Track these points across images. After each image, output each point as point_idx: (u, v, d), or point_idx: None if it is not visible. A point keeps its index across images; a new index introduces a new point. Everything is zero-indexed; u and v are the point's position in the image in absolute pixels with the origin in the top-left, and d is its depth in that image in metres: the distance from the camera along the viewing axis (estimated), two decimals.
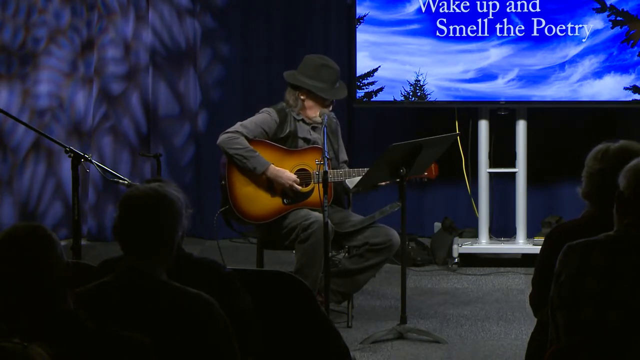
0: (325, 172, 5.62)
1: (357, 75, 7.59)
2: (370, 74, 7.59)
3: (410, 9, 7.55)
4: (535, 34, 7.50)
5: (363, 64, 7.58)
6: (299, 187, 6.13)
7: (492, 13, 7.50)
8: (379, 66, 7.59)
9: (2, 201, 8.34)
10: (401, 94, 7.59)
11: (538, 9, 7.48)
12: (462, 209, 8.19)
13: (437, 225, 8.06)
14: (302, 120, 6.23)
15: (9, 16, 8.28)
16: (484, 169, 7.69)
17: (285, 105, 6.23)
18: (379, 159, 5.87)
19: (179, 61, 8.53)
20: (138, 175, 8.40)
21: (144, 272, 3.14)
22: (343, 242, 6.22)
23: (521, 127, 7.64)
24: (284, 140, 6.18)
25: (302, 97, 6.20)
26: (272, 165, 6.10)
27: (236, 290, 3.70)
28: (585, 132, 7.78)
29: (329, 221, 5.69)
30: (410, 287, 6.94)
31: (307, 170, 6.18)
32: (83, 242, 6.58)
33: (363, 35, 7.58)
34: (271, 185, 6.14)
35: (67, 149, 5.57)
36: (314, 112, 6.20)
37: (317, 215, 5.99)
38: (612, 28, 7.46)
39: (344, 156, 6.43)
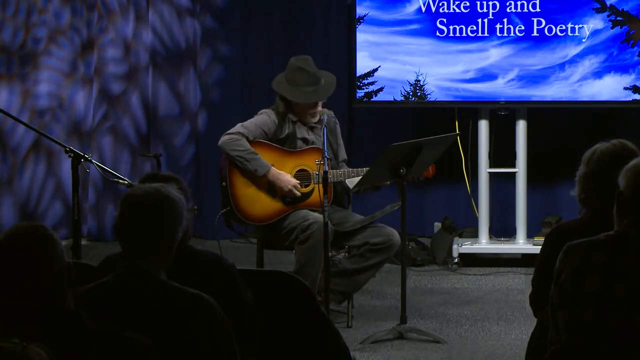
0: (326, 172, 5.62)
1: (357, 75, 7.59)
2: (370, 74, 7.59)
3: (410, 9, 7.55)
4: (535, 34, 7.50)
5: (363, 64, 7.58)
6: (298, 193, 6.13)
7: (492, 13, 7.50)
8: (379, 66, 7.59)
9: (2, 201, 8.34)
10: (401, 94, 7.59)
11: (538, 9, 7.48)
12: (462, 209, 8.19)
13: (437, 225, 8.06)
14: (299, 121, 6.22)
15: (9, 16, 8.28)
16: (484, 169, 7.69)
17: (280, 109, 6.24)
18: (378, 159, 5.87)
19: (179, 61, 8.53)
20: (138, 175, 8.39)
21: (143, 272, 3.14)
22: (343, 242, 6.22)
23: (521, 127, 7.64)
24: (283, 141, 6.18)
25: (284, 101, 6.19)
26: (273, 168, 6.10)
27: (238, 283, 3.71)
28: (585, 132, 7.77)
29: (329, 222, 5.69)
30: (410, 287, 6.94)
31: (307, 170, 6.18)
32: (83, 242, 6.58)
33: (363, 35, 7.58)
34: (272, 187, 6.14)
35: (67, 149, 5.57)
36: (304, 115, 6.19)
37: (317, 215, 5.99)
38: (612, 28, 7.46)
39: (343, 155, 6.43)
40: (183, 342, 3.07)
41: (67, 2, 8.41)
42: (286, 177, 6.12)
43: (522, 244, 7.71)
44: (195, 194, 8.46)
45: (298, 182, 6.15)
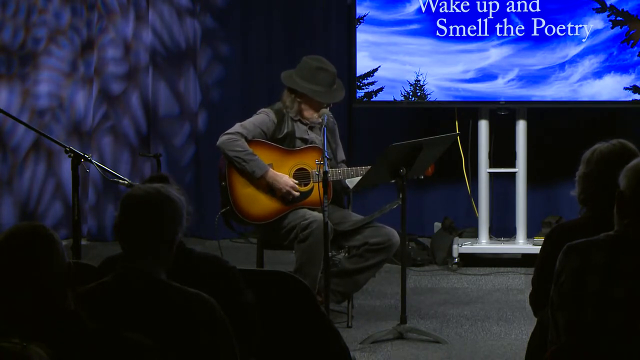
0: (326, 173, 5.62)
1: (357, 75, 7.60)
2: (370, 74, 7.59)
3: (410, 9, 7.55)
4: (535, 34, 7.50)
5: (363, 64, 7.58)
6: (297, 193, 6.13)
7: (492, 13, 7.50)
8: (379, 66, 7.59)
9: (2, 201, 8.34)
10: (401, 94, 7.59)
11: (538, 9, 7.48)
12: (462, 209, 8.19)
13: (437, 225, 8.06)
14: (299, 120, 6.23)
15: (9, 16, 8.28)
16: (484, 169, 7.69)
17: (282, 106, 6.24)
18: (378, 159, 5.87)
19: (179, 61, 8.54)
20: (138, 175, 8.40)
21: (143, 272, 3.14)
22: (342, 242, 6.22)
23: (521, 127, 7.64)
24: (282, 141, 6.18)
25: (298, 99, 6.20)
26: (270, 169, 6.10)
27: (240, 285, 3.71)
28: (585, 132, 7.78)
29: (329, 221, 5.68)
30: (410, 287, 6.94)
31: (306, 169, 6.18)
32: (83, 242, 6.58)
33: (363, 35, 7.58)
34: (271, 186, 6.14)
35: (67, 149, 5.57)
36: (311, 114, 6.21)
37: (316, 214, 5.99)
38: (612, 28, 7.46)
39: (341, 155, 6.43)
40: (183, 342, 3.07)
41: (67, 2, 8.41)
42: (284, 179, 6.12)
43: (522, 244, 7.71)
44: (195, 194, 8.47)
45: (296, 183, 6.15)
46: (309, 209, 6.12)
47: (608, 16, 7.45)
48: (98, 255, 7.22)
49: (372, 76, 7.60)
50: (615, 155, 3.83)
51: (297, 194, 6.13)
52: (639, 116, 7.91)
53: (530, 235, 7.79)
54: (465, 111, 7.79)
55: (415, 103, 7.65)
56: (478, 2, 7.51)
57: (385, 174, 5.93)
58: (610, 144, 3.90)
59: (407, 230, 6.05)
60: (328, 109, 6.20)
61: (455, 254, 7.61)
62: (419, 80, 7.58)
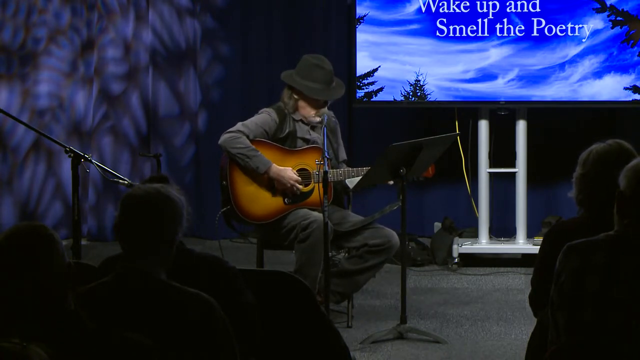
0: (326, 172, 5.63)
1: (357, 75, 7.60)
2: (370, 74, 7.59)
3: (410, 9, 7.55)
4: (535, 34, 7.50)
5: (363, 64, 7.58)
6: (301, 187, 6.13)
7: (492, 13, 7.51)
8: (379, 66, 7.59)
9: (2, 201, 8.34)
10: (401, 94, 7.59)
11: (538, 9, 7.48)
12: (462, 209, 8.19)
13: (437, 225, 8.06)
14: (301, 120, 6.23)
15: (9, 16, 8.28)
16: (484, 169, 7.69)
17: (283, 105, 6.24)
18: (378, 159, 5.87)
19: (179, 61, 8.54)
20: (138, 175, 8.40)
21: (143, 272, 3.14)
22: (342, 243, 6.21)
23: (521, 127, 7.65)
24: (283, 141, 6.19)
25: (295, 96, 6.20)
26: (274, 164, 6.10)
27: (240, 285, 3.71)
28: (585, 132, 7.78)
29: (329, 221, 5.69)
30: (410, 287, 6.94)
31: (307, 170, 6.18)
32: (83, 242, 6.58)
33: (363, 35, 7.58)
34: (272, 185, 6.14)
35: (67, 149, 5.57)
36: (308, 112, 6.21)
37: (316, 215, 5.99)
38: (612, 28, 7.46)
39: (343, 155, 6.44)
40: (183, 342, 3.07)
41: (67, 2, 8.41)
42: (288, 174, 6.11)
43: (522, 244, 7.71)
44: (195, 194, 8.47)
45: (300, 178, 6.15)
46: (310, 209, 6.12)
47: (608, 16, 7.45)
48: (98, 255, 7.22)
49: (372, 76, 7.60)
50: (612, 155, 3.82)
51: (300, 187, 6.13)
52: (639, 116, 7.91)
53: (530, 235, 7.79)
54: (465, 111, 7.79)
55: (415, 103, 7.65)
56: (478, 2, 7.51)
57: (385, 174, 5.93)
58: (606, 144, 3.89)
59: (407, 230, 6.04)
60: (326, 107, 6.20)
61: (455, 254, 7.62)
62: (419, 80, 7.58)
